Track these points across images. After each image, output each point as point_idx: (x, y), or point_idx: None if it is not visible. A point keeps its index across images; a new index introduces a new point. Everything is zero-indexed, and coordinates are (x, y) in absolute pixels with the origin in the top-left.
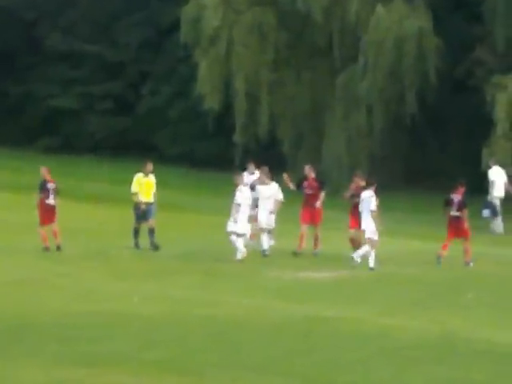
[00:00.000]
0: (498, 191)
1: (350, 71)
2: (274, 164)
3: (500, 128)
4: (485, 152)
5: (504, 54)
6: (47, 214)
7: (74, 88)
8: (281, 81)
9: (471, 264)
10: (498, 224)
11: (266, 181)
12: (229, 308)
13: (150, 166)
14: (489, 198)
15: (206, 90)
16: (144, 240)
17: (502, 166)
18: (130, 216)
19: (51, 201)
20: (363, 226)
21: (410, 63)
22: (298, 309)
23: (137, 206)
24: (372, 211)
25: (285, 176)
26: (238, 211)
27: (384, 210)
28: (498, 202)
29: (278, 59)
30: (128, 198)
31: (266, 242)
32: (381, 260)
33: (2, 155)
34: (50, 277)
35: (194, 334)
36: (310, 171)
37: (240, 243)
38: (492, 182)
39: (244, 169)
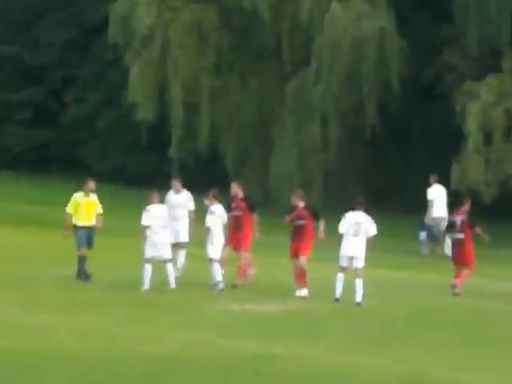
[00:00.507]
0: (437, 211)
1: (302, 76)
2: (216, 182)
3: (472, 141)
4: (455, 168)
5: (476, 58)
6: None
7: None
8: (223, 87)
9: (457, 292)
10: (447, 244)
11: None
12: (168, 345)
13: (91, 184)
14: (425, 219)
15: (139, 98)
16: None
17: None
18: (53, 240)
19: None
20: (357, 253)
21: (369, 67)
22: (243, 345)
23: (75, 229)
24: (371, 237)
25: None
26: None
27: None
28: (439, 222)
29: (220, 63)
30: (51, 220)
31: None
32: (330, 290)
33: None
34: None
35: (128, 373)
36: (237, 189)
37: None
38: (431, 201)
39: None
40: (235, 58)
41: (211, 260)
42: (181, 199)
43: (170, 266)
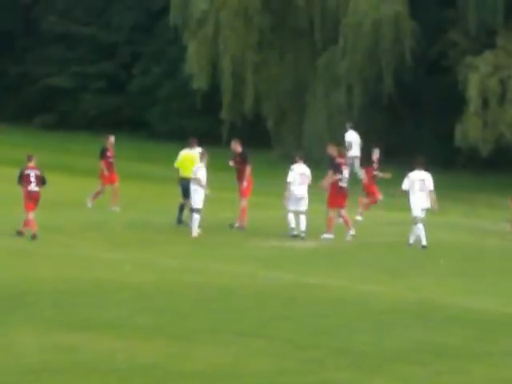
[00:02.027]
0: (354, 151)
1: (331, 52)
2: (259, 140)
3: (472, 106)
4: (458, 128)
5: (476, 37)
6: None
7: (70, 68)
8: (265, 62)
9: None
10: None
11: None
12: (215, 276)
13: (195, 143)
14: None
15: (194, 71)
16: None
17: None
18: (123, 189)
19: (34, 188)
20: (426, 205)
21: (386, 45)
22: (280, 276)
23: (182, 180)
24: (432, 191)
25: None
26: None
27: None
28: (356, 161)
29: (262, 41)
30: (120, 172)
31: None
32: (361, 230)
33: (1, 131)
34: (47, 246)
35: (182, 300)
36: (235, 146)
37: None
38: (349, 142)
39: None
40: (275, 36)
41: (290, 211)
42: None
43: (303, 217)
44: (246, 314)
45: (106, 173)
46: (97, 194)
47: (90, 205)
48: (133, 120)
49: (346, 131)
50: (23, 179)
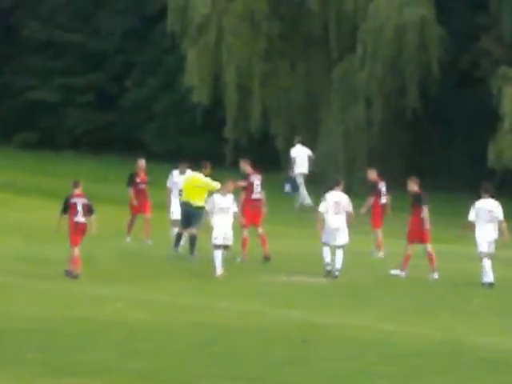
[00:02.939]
0: (299, 168)
1: (348, 62)
2: (267, 161)
3: (507, 123)
4: (491, 148)
5: (511, 44)
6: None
7: (54, 80)
8: (274, 72)
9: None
10: (304, 196)
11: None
12: (218, 314)
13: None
14: (290, 173)
15: (195, 82)
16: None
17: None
18: (110, 216)
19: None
20: (493, 237)
21: (411, 53)
22: (292, 315)
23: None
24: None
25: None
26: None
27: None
28: (300, 178)
29: (271, 50)
30: (109, 197)
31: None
32: (381, 263)
33: None
34: (29, 280)
35: (180, 342)
36: (244, 166)
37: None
38: (293, 158)
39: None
40: (285, 44)
41: (324, 244)
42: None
43: (339, 252)
44: (251, 358)
45: (134, 202)
46: (130, 226)
47: (128, 239)
48: (125, 139)
49: (293, 146)
50: (69, 209)
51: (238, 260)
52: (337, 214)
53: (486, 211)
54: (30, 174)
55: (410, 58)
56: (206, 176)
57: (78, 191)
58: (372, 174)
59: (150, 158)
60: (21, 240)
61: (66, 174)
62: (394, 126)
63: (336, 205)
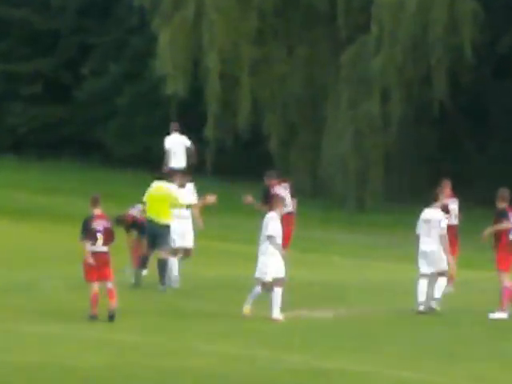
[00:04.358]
0: (175, 162)
1: (360, 44)
2: (259, 166)
3: None
4: None
5: None
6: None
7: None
8: (267, 57)
9: None
10: None
11: None
12: (197, 359)
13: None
14: (164, 166)
15: (168, 70)
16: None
17: None
18: (63, 235)
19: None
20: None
21: (438, 34)
22: (288, 359)
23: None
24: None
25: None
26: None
27: (404, 228)
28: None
29: (263, 29)
30: (60, 212)
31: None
32: (395, 294)
33: None
34: None
35: None
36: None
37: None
38: (167, 150)
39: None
40: (281, 23)
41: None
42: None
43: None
44: None
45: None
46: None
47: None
48: (80, 139)
49: (167, 135)
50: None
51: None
52: (428, 235)
53: None
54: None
55: (437, 39)
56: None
57: (98, 211)
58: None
59: (111, 162)
60: None
61: (6, 183)
62: (417, 124)
63: (427, 223)
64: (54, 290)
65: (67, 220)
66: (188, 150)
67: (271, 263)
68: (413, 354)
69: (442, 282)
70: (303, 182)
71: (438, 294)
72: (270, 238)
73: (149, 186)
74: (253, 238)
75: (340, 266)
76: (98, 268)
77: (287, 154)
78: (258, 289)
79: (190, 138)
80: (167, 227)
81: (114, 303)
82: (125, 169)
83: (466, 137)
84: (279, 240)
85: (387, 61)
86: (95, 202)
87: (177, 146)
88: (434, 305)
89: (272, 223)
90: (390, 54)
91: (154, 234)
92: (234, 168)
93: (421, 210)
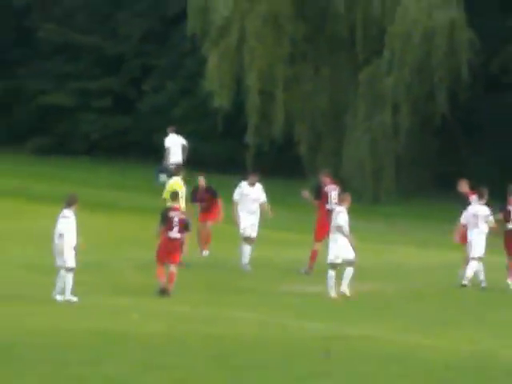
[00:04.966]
0: (173, 157)
1: (374, 66)
2: (290, 168)
3: None
4: None
5: None
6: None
7: (69, 84)
8: (297, 77)
9: None
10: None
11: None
12: (236, 326)
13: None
14: (164, 163)
15: (215, 87)
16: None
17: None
18: (130, 225)
19: (174, 234)
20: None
21: (440, 58)
22: (314, 327)
23: None
24: None
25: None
26: None
27: (413, 218)
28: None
29: (294, 53)
30: (126, 205)
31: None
32: (407, 273)
33: None
34: (42, 292)
35: (198, 355)
36: (201, 181)
37: None
38: (168, 148)
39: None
40: (309, 48)
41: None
42: (256, 193)
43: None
44: (272, 372)
45: (196, 216)
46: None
47: (204, 253)
48: (142, 144)
49: (166, 135)
50: (165, 223)
51: (302, 271)
52: (474, 226)
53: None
54: (43, 181)
55: (439, 62)
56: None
57: (175, 204)
58: (463, 186)
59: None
60: (32, 249)
61: (81, 180)
62: (422, 133)
63: (474, 217)
64: (123, 270)
65: (131, 212)
66: (184, 147)
67: (341, 248)
68: (419, 323)
69: (474, 264)
70: (318, 180)
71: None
72: (339, 227)
73: (195, 181)
74: (291, 227)
75: (359, 249)
76: (168, 252)
77: (314, 157)
78: (332, 272)
79: (231, 144)
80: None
81: (172, 286)
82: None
83: (463, 144)
84: (347, 228)
85: (397, 80)
86: (175, 197)
87: (175, 145)
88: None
89: (341, 215)
90: (399, 75)
91: None
92: (269, 169)
93: (425, 204)
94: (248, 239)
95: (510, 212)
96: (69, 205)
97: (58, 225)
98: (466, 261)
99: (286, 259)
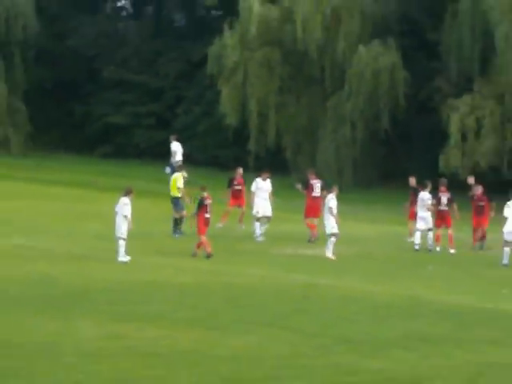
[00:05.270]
0: (177, 157)
1: (338, 96)
2: (280, 167)
3: (453, 140)
4: (441, 158)
5: (456, 83)
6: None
7: (125, 108)
8: (284, 103)
9: (452, 251)
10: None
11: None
12: (242, 277)
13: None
14: (172, 160)
15: (227, 110)
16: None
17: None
18: (165, 207)
19: (207, 215)
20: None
21: (384, 90)
22: (296, 278)
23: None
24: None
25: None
26: None
27: (366, 203)
28: (178, 163)
29: (282, 87)
30: (165, 193)
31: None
32: (362, 241)
33: (69, 160)
34: (106, 254)
35: (216, 297)
36: (238, 172)
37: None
38: (174, 151)
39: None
40: (292, 83)
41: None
42: (267, 185)
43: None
44: (267, 309)
45: (229, 200)
46: (224, 217)
47: (221, 225)
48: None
49: (170, 142)
50: (201, 207)
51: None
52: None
53: None
54: (106, 177)
55: (383, 93)
56: (183, 177)
57: (206, 194)
58: (412, 181)
59: (194, 164)
60: (99, 225)
61: (134, 176)
62: (372, 143)
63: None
64: (162, 238)
65: (168, 198)
66: (183, 151)
67: (331, 223)
68: (370, 276)
69: (419, 234)
70: (305, 176)
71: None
72: (330, 209)
73: (213, 177)
74: (283, 209)
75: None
76: (206, 227)
77: (296, 160)
78: (333, 239)
79: (238, 150)
80: (176, 198)
81: (209, 248)
82: (202, 168)
83: (400, 151)
84: (335, 211)
85: (354, 106)
86: (204, 189)
87: (179, 149)
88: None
89: (332, 201)
90: (355, 102)
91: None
92: (264, 168)
93: (374, 193)
94: (261, 219)
95: (440, 198)
96: (126, 194)
97: (120, 208)
98: (411, 232)
99: (279, 231)
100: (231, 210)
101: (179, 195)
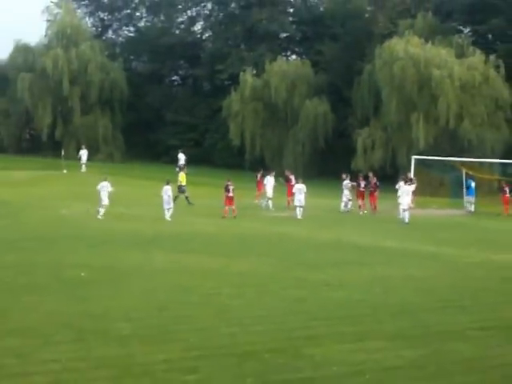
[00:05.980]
0: (181, 162)
1: (295, 129)
2: (263, 169)
3: (359, 152)
4: (352, 162)
5: (361, 120)
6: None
7: (177, 136)
8: (265, 133)
9: (361, 213)
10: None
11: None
12: (248, 230)
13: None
14: (179, 163)
15: (233, 136)
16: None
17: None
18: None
19: (230, 194)
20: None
21: (320, 125)
22: (275, 229)
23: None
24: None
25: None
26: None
27: (311, 187)
28: (183, 164)
29: (263, 124)
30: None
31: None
32: (311, 208)
33: (147, 165)
34: (176, 219)
35: (231, 242)
36: (260, 172)
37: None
38: (179, 159)
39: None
40: (270, 122)
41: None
42: (273, 179)
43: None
44: (260, 246)
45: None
46: (258, 196)
47: (256, 201)
48: (206, 159)
49: (178, 153)
50: (227, 189)
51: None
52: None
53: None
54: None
55: (320, 126)
56: (184, 173)
57: (229, 182)
58: (344, 175)
59: (215, 167)
60: (159, 199)
61: (164, 171)
62: (314, 154)
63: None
64: (194, 206)
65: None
66: (186, 158)
67: (300, 199)
68: (316, 227)
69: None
70: (277, 174)
71: None
72: (299, 190)
73: (231, 177)
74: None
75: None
76: (230, 201)
77: (272, 164)
78: (299, 209)
79: (240, 159)
80: (181, 186)
81: (235, 212)
82: (220, 168)
83: (330, 158)
84: (303, 192)
85: (304, 134)
86: (228, 181)
87: (182, 158)
88: None
89: (303, 187)
90: (305, 132)
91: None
92: (256, 169)
93: (316, 183)
94: (267, 198)
95: (359, 183)
96: (167, 183)
97: (165, 191)
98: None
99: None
100: (258, 193)
101: (183, 183)
